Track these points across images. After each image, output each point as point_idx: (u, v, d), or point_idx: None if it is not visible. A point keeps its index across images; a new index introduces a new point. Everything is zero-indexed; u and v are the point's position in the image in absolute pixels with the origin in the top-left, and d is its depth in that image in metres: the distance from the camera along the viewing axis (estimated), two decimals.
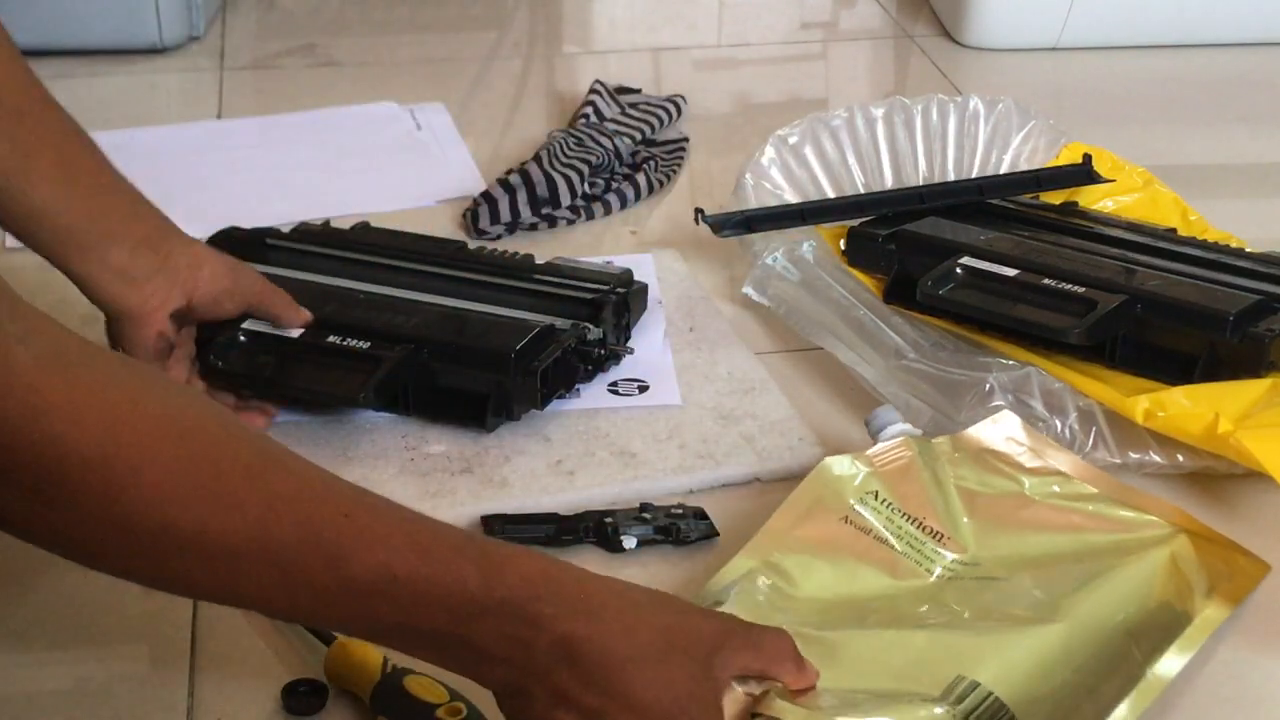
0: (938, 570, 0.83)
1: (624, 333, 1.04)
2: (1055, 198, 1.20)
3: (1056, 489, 0.87)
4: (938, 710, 0.69)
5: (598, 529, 0.90)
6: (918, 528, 0.84)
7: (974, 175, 1.24)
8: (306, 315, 0.99)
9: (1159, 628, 0.80)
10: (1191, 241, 1.12)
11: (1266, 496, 0.94)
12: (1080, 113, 1.50)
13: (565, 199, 1.26)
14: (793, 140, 1.23)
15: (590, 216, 1.28)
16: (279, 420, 0.99)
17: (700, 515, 0.91)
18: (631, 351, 1.04)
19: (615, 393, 1.03)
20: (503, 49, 1.70)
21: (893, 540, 0.84)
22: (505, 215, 1.24)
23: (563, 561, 0.68)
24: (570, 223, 1.27)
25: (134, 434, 0.61)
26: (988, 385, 0.96)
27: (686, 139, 1.42)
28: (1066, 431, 0.94)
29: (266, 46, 1.68)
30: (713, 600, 0.78)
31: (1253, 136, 1.50)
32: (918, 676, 0.73)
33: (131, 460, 0.61)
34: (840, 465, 0.86)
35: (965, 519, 0.86)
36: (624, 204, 1.30)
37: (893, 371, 1.00)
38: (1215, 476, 0.95)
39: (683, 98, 1.46)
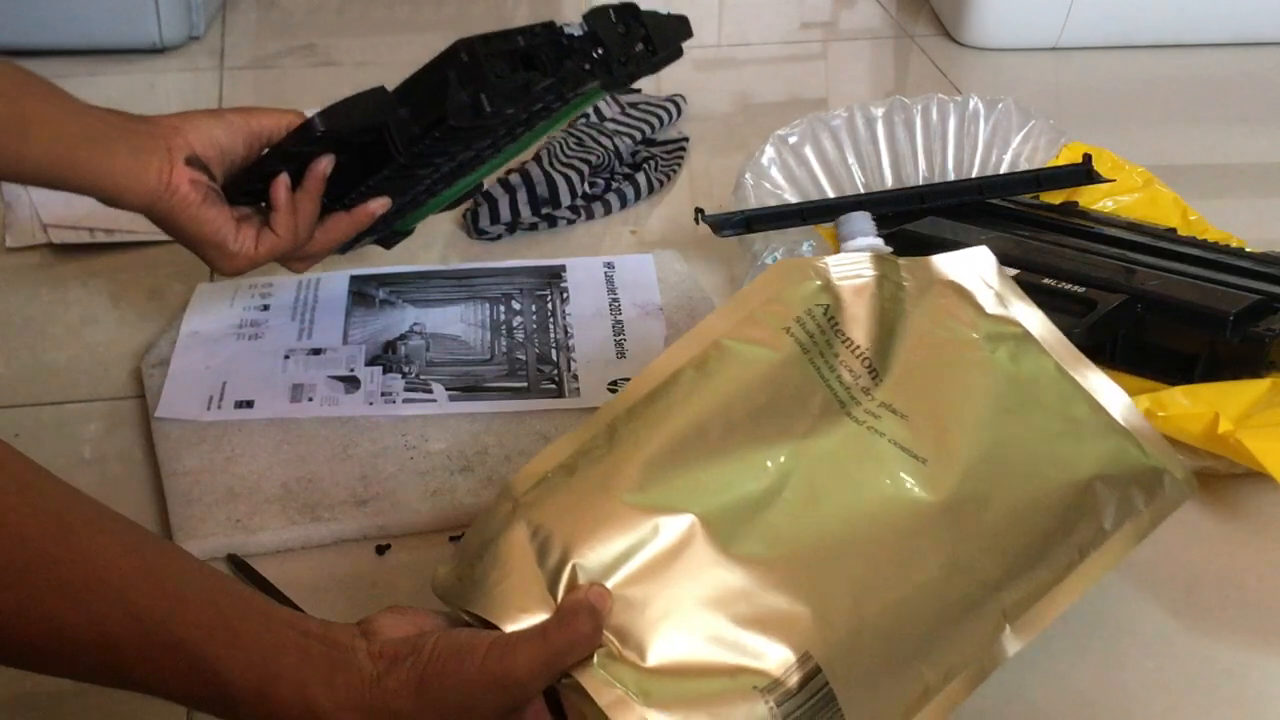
0: (857, 412, 0.73)
1: (638, 56, 0.95)
2: (1055, 198, 1.20)
3: (1012, 348, 0.77)
4: (761, 709, 0.65)
5: None
6: (855, 355, 0.76)
7: (974, 175, 1.24)
8: (292, 113, 0.98)
9: (1034, 575, 0.73)
10: (1191, 241, 1.12)
11: (1266, 496, 0.94)
12: (1080, 113, 1.50)
13: (565, 199, 1.26)
14: (793, 140, 1.24)
15: (590, 216, 1.28)
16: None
17: None
18: (633, 84, 0.96)
19: (615, 393, 1.03)
20: None
21: (823, 367, 0.75)
22: (505, 215, 1.24)
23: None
24: (570, 222, 1.27)
25: None
26: None
27: (686, 139, 1.42)
28: None
29: (266, 46, 1.68)
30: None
31: (1253, 136, 1.50)
32: (763, 626, 0.67)
33: None
34: (796, 270, 0.78)
35: (905, 356, 0.75)
36: (624, 204, 1.30)
37: None
38: (1215, 476, 0.95)
39: (683, 97, 1.46)
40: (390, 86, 0.91)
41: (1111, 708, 0.80)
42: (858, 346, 0.76)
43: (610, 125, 1.37)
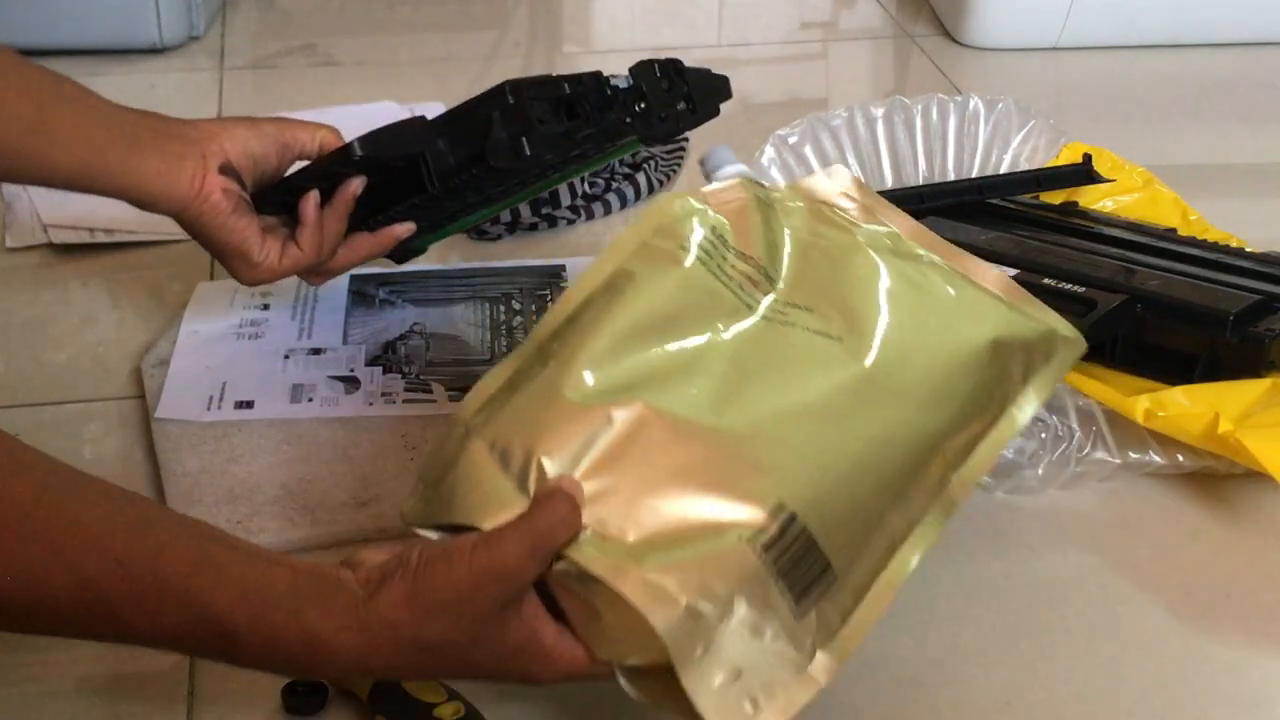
0: (765, 313, 0.78)
1: (678, 114, 0.96)
2: (1055, 198, 1.20)
3: (889, 244, 0.81)
4: (751, 558, 0.68)
5: None
6: (751, 266, 0.79)
7: (974, 175, 1.24)
8: (326, 128, 0.98)
9: (967, 429, 0.76)
10: (1191, 241, 1.12)
11: (1266, 496, 0.94)
12: (1080, 113, 1.50)
13: (565, 199, 1.26)
14: (793, 140, 1.23)
15: (590, 216, 1.28)
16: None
17: None
18: (684, 139, 0.97)
19: None
20: (503, 49, 1.70)
21: (725, 279, 0.79)
22: (505, 215, 1.24)
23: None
24: (570, 223, 1.27)
25: None
26: None
27: (687, 139, 1.42)
28: (1066, 431, 0.95)
29: (266, 46, 1.68)
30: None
31: (1253, 136, 1.50)
32: (733, 487, 0.70)
33: None
34: (678, 201, 0.80)
35: (795, 264, 0.80)
36: (624, 204, 1.30)
37: None
38: (1215, 476, 0.95)
39: None
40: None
41: (1111, 708, 0.80)
42: (751, 258, 0.80)
43: None
